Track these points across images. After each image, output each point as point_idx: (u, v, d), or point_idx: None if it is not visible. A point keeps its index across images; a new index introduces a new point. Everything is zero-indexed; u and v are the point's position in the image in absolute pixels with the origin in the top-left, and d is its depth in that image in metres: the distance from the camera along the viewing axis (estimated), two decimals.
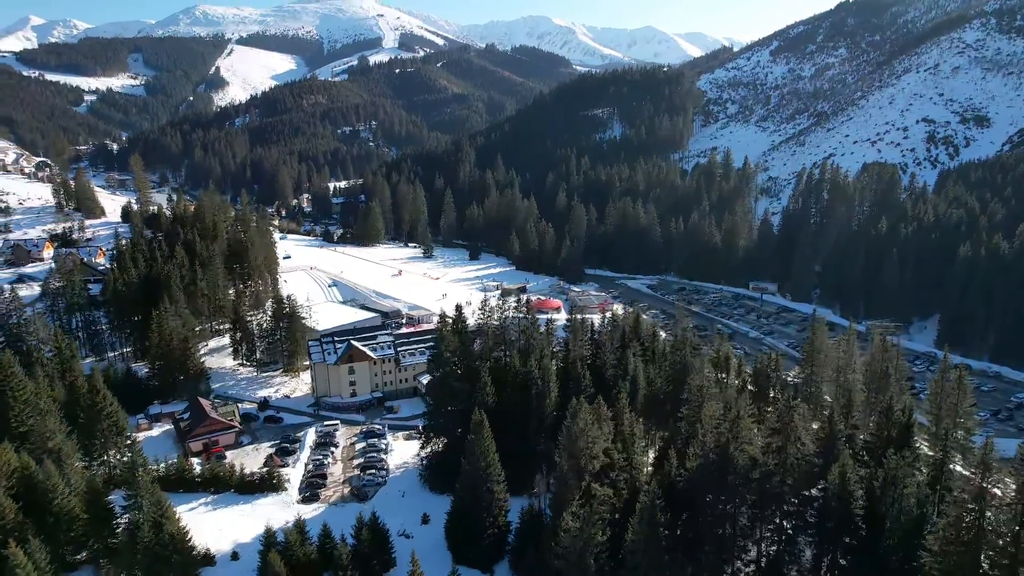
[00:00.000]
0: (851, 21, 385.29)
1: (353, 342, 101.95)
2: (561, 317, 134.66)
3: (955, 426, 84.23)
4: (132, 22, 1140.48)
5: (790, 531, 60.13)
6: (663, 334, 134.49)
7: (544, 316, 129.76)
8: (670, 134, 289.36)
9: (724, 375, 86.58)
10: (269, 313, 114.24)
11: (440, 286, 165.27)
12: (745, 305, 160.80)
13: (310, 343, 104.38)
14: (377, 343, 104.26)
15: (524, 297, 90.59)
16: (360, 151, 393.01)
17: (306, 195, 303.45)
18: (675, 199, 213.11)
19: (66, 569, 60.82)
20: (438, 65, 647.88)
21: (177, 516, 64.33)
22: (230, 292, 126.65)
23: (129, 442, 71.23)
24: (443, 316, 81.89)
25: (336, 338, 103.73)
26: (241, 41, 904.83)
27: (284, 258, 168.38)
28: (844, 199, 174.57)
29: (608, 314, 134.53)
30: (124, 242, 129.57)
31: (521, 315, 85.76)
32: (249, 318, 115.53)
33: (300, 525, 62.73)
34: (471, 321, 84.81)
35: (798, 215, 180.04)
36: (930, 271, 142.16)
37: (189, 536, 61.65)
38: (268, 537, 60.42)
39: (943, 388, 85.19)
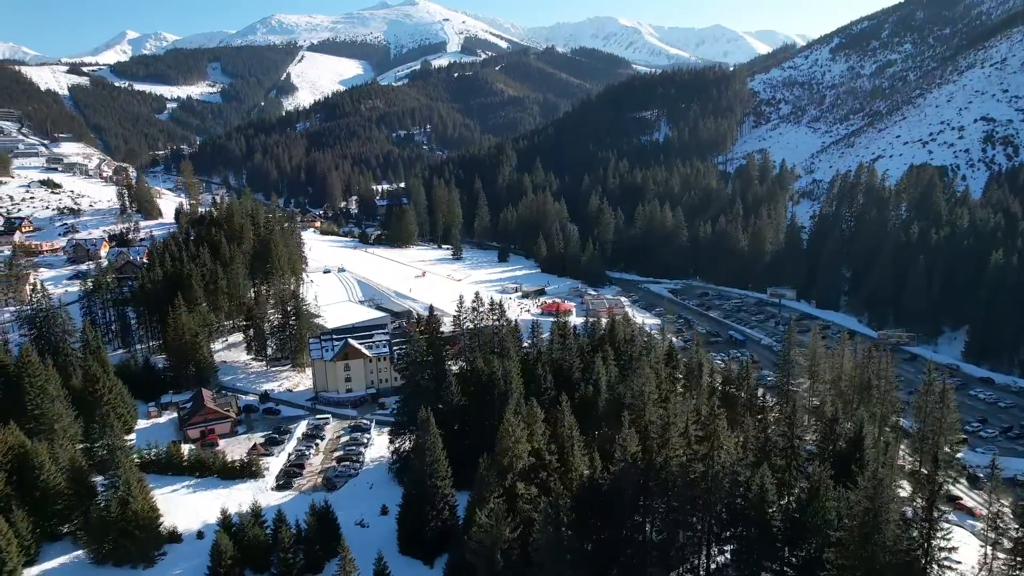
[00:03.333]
0: (920, 14, 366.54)
1: (350, 340, 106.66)
2: (570, 320, 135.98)
3: (940, 440, 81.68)
4: (215, 33, 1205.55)
5: (736, 542, 59.98)
6: (673, 339, 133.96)
7: (551, 319, 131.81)
8: (715, 136, 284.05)
9: (697, 380, 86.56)
10: (280, 312, 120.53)
11: (460, 288, 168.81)
12: (766, 311, 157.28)
13: (311, 340, 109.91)
14: (373, 341, 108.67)
15: (494, 301, 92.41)
16: (412, 154, 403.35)
17: (354, 197, 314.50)
18: (710, 202, 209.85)
19: (50, 539, 67.44)
20: (496, 68, 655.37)
21: (152, 496, 70.43)
22: (251, 291, 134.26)
23: (114, 427, 76.61)
24: (409, 317, 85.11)
25: (335, 336, 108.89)
26: (312, 48, 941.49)
27: (324, 272, 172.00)
28: (879, 203, 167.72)
29: (615, 318, 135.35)
30: (158, 243, 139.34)
31: (495, 318, 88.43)
32: (269, 316, 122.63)
33: (256, 510, 67.24)
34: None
35: (830, 219, 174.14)
36: (961, 279, 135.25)
37: (157, 515, 67.24)
38: (224, 519, 65.35)
39: (927, 401, 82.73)
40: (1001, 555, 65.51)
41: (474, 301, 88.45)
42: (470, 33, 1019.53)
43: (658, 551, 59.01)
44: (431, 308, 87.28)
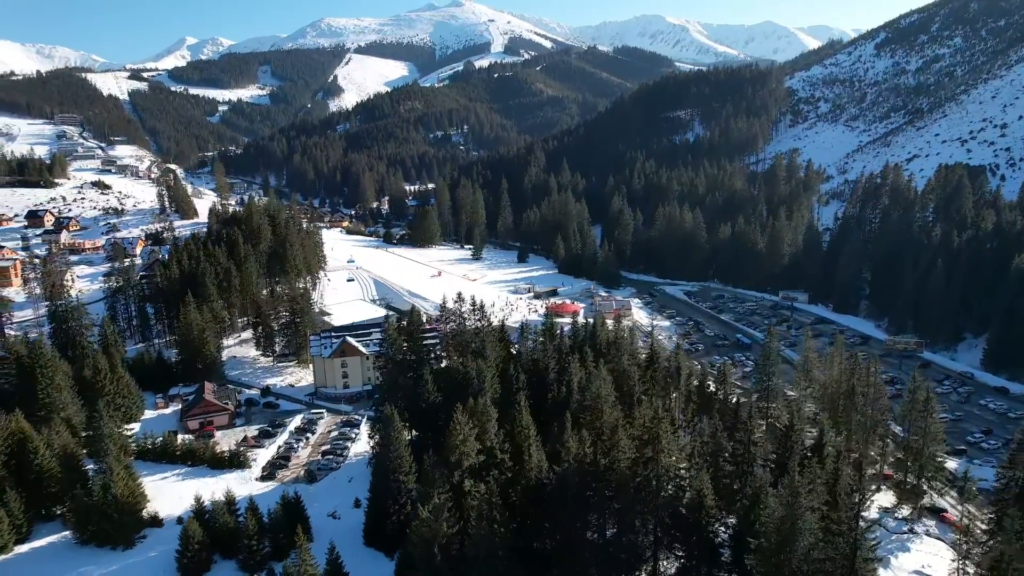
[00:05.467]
0: (974, 6, 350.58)
1: (348, 338, 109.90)
2: (562, 321, 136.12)
3: (925, 450, 79.78)
4: (268, 37, 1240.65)
5: (679, 548, 60.00)
6: (678, 341, 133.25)
7: (558, 320, 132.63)
8: (747, 136, 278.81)
9: (675, 384, 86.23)
10: (288, 310, 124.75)
11: (474, 288, 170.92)
12: (780, 315, 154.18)
13: (311, 337, 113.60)
14: (371, 339, 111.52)
15: (476, 301, 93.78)
16: (448, 155, 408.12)
17: (386, 198, 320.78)
18: (734, 204, 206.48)
19: (44, 520, 72.32)
20: (537, 69, 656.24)
21: (139, 482, 74.99)
22: (265, 289, 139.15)
23: (103, 416, 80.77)
24: (388, 318, 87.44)
25: (334, 334, 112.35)
26: (359, 50, 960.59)
27: (348, 280, 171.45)
28: (904, 204, 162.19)
29: (624, 321, 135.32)
30: (180, 242, 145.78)
31: (476, 318, 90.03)
32: (279, 313, 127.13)
33: (230, 499, 70.62)
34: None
35: (853, 221, 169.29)
36: (983, 284, 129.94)
37: (138, 500, 71.32)
38: (198, 506, 68.91)
39: (912, 409, 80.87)
40: (970, 569, 63.88)
41: (456, 301, 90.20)
42: (515, 33, 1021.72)
43: (602, 554, 59.49)
44: (412, 308, 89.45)
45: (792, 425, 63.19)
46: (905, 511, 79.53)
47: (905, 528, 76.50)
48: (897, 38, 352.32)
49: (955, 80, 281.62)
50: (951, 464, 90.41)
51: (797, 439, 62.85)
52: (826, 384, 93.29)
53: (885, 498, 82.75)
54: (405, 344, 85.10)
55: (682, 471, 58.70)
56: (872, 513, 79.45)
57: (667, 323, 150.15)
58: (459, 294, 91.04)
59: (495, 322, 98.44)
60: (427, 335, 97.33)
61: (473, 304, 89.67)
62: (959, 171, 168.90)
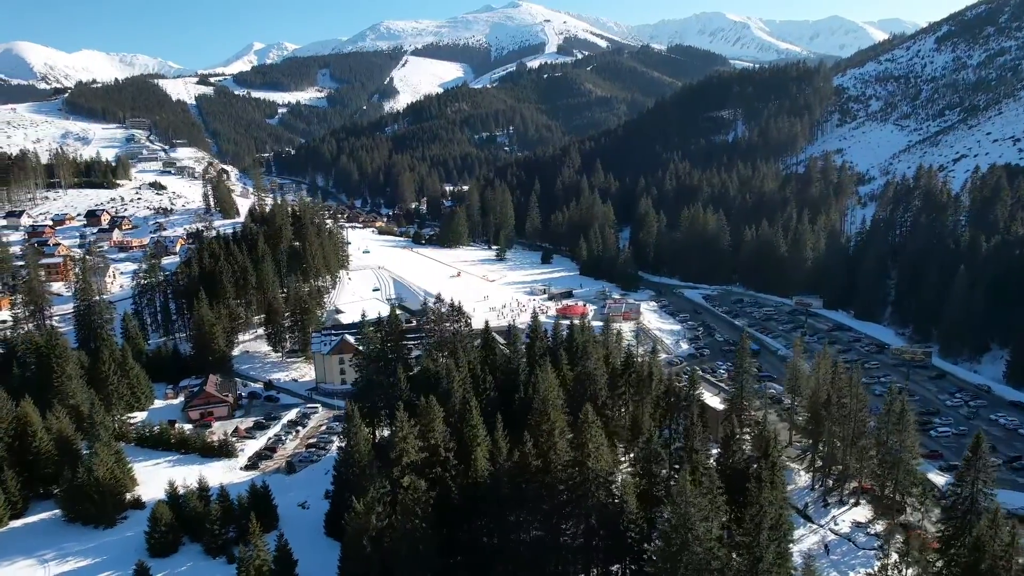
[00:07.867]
0: None
1: (346, 335, 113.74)
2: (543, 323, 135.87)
3: (900, 464, 77.29)
4: (329, 40, 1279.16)
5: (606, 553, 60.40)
6: (684, 345, 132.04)
7: (564, 321, 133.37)
8: (788, 136, 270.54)
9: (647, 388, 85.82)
10: (299, 308, 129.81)
11: (490, 288, 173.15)
12: (797, 320, 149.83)
13: (313, 334, 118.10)
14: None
15: (455, 303, 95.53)
16: (491, 156, 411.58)
17: (425, 199, 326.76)
18: (763, 206, 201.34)
19: (42, 498, 78.51)
20: (588, 68, 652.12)
21: (129, 467, 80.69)
22: (284, 288, 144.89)
23: (95, 404, 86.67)
24: (364, 318, 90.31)
25: (334, 331, 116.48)
26: (416, 52, 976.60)
27: (374, 290, 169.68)
28: (937, 207, 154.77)
29: (617, 324, 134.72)
30: (204, 241, 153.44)
31: (454, 319, 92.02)
32: (293, 311, 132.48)
33: (203, 485, 74.81)
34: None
35: (882, 225, 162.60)
36: (1011, 292, 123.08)
37: (122, 483, 76.54)
38: (172, 491, 73.44)
39: (888, 421, 78.34)
40: None
41: (436, 303, 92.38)
42: (570, 33, 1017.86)
43: (534, 554, 60.30)
44: (393, 308, 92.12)
45: (732, 434, 62.48)
46: (880, 526, 76.96)
47: (876, 544, 74.06)
48: (961, 31, 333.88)
49: (1019, 74, 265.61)
50: (941, 480, 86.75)
51: (737, 448, 62.12)
52: (814, 392, 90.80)
53: (861, 512, 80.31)
54: (388, 343, 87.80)
55: (611, 476, 58.99)
56: (844, 528, 77.91)
57: (677, 327, 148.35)
58: (439, 295, 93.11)
59: (504, 322, 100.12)
60: (413, 334, 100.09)
61: (452, 305, 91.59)
62: (998, 172, 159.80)
